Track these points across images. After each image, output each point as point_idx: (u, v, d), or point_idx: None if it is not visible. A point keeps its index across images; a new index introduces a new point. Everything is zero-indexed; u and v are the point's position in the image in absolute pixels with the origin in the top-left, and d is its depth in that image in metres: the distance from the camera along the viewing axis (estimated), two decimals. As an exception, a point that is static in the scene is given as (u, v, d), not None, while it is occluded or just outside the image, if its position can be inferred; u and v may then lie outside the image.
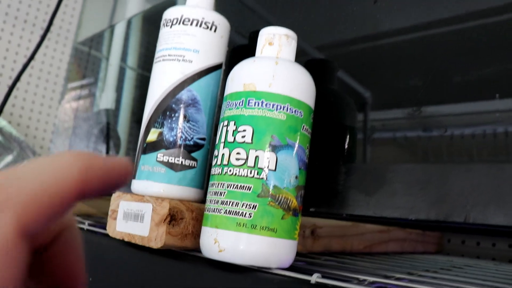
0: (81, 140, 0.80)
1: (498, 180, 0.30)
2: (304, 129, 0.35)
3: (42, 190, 0.14)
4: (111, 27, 0.81)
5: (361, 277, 0.37)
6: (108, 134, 0.75)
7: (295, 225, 0.35)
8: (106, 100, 0.74)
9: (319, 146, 0.41)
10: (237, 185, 0.34)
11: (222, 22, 0.45)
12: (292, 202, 0.34)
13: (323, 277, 0.31)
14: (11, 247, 0.13)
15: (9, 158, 1.34)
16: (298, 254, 0.54)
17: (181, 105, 0.42)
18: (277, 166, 0.34)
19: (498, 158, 0.33)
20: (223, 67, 0.45)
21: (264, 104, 0.34)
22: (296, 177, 0.35)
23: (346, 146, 0.41)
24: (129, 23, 0.76)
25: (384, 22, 0.40)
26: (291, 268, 0.35)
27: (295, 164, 0.34)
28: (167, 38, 0.44)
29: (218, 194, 0.35)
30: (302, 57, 0.46)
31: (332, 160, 0.41)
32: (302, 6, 0.47)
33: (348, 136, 0.42)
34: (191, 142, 0.42)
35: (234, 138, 0.35)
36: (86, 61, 0.83)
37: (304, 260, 0.49)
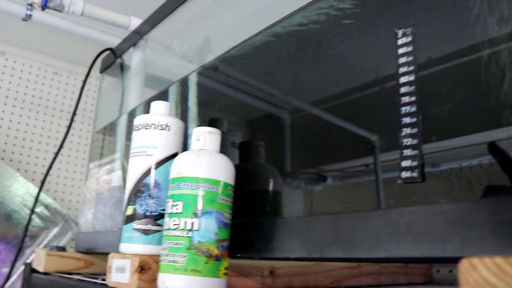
0: (101, 210, 0.99)
1: (338, 227, 0.44)
2: (220, 199, 0.51)
3: None
4: (118, 118, 1.01)
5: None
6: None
7: (218, 267, 0.50)
8: (116, 178, 0.93)
9: (243, 206, 0.57)
10: (174, 242, 0.49)
11: (175, 123, 0.62)
12: (213, 251, 0.49)
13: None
14: None
15: (55, 230, 1.56)
16: (257, 290, 0.68)
17: (147, 187, 0.59)
18: (200, 227, 0.49)
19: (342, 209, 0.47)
20: (178, 154, 0.62)
21: (189, 185, 0.51)
22: (216, 234, 0.50)
23: (268, 206, 0.56)
24: (130, 115, 0.96)
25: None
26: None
27: (214, 224, 0.50)
28: (135, 139, 0.61)
29: (164, 249, 0.51)
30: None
31: (251, 217, 0.56)
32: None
33: (270, 198, 0.57)
34: (156, 213, 0.59)
35: (172, 210, 0.51)
36: (101, 147, 1.03)
37: (259, 294, 0.63)
